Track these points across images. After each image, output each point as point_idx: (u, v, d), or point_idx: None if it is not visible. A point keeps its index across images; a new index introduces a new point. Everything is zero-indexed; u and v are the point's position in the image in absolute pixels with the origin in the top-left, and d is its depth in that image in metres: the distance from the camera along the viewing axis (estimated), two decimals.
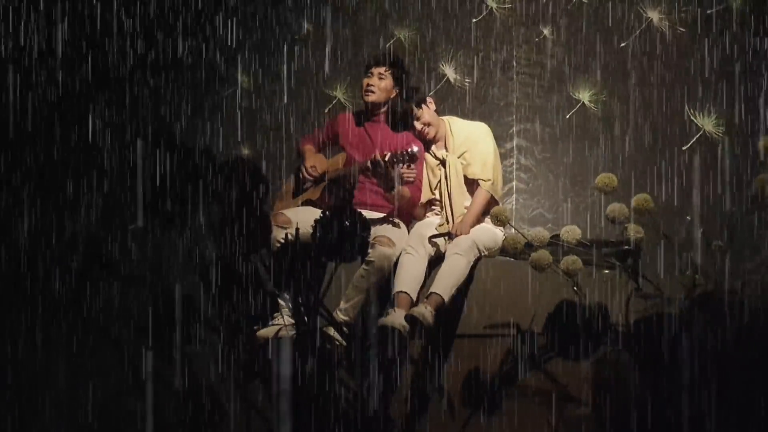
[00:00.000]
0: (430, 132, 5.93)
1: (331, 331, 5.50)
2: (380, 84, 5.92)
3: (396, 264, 5.61)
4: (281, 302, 5.55)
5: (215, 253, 5.41)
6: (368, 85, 5.92)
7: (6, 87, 6.05)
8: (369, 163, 5.69)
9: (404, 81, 5.94)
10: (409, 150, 5.59)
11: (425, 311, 5.41)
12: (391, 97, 5.93)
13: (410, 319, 5.40)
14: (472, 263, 5.64)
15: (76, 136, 6.06)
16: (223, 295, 5.51)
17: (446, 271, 5.56)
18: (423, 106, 5.92)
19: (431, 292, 5.50)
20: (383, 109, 5.94)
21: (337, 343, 5.51)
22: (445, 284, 5.52)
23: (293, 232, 5.54)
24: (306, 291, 5.13)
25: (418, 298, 5.56)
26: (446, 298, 5.49)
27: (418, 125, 5.91)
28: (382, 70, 5.91)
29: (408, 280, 5.54)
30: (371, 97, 5.92)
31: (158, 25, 6.39)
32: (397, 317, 5.39)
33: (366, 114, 5.98)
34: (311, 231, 5.25)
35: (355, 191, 5.89)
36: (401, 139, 5.88)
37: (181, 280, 5.60)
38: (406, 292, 5.51)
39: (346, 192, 5.86)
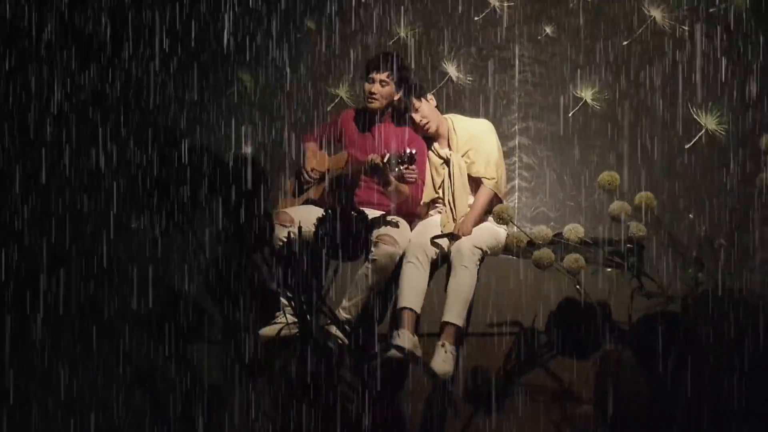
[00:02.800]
0: (431, 126, 5.92)
1: (334, 330, 5.50)
2: (383, 91, 5.88)
3: (399, 264, 5.61)
4: (283, 301, 5.54)
5: (218, 251, 5.40)
6: (371, 93, 5.88)
7: (5, 79, 6.05)
8: (366, 165, 5.69)
9: (406, 80, 5.91)
10: (407, 151, 5.57)
11: (444, 360, 5.38)
12: (395, 99, 5.91)
13: (431, 374, 5.38)
14: (477, 267, 5.62)
15: (76, 129, 6.06)
16: (226, 294, 5.51)
17: (455, 291, 5.53)
18: (422, 99, 5.91)
19: (446, 323, 5.47)
20: (387, 112, 5.93)
21: (340, 341, 5.50)
22: (457, 309, 5.48)
23: (295, 230, 5.54)
24: (308, 290, 5.12)
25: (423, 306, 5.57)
26: (461, 324, 5.48)
27: (416, 117, 5.90)
28: (384, 76, 5.85)
29: (412, 294, 5.52)
30: (375, 105, 5.89)
31: (159, 21, 6.39)
32: (404, 341, 5.39)
33: (370, 116, 5.96)
34: (313, 229, 5.24)
35: (357, 190, 5.89)
36: (402, 138, 5.87)
37: (184, 278, 5.60)
38: (411, 309, 5.50)
39: (347, 191, 5.86)
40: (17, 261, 5.75)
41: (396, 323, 5.49)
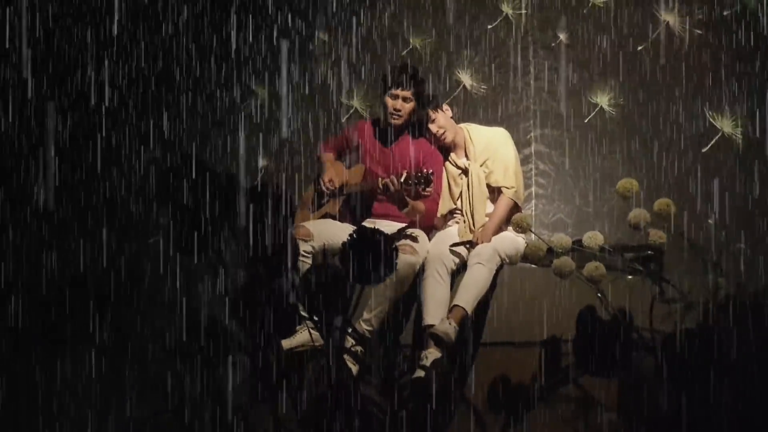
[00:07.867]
0: (448, 136, 5.91)
1: (351, 343, 5.51)
2: (407, 107, 5.85)
3: (420, 272, 5.62)
4: (304, 314, 5.55)
5: (240, 271, 5.42)
6: (395, 109, 5.84)
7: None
8: (381, 186, 5.68)
9: (422, 91, 5.89)
10: (424, 172, 5.56)
11: (448, 328, 5.42)
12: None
13: (434, 338, 5.42)
14: (494, 271, 5.64)
15: (97, 154, 6.07)
16: (249, 311, 5.52)
17: (468, 282, 5.56)
18: (439, 110, 5.91)
19: (454, 305, 5.50)
20: (407, 129, 5.92)
21: (360, 355, 5.51)
22: (467, 296, 5.52)
23: (315, 244, 5.57)
24: (332, 309, 5.12)
25: None
26: (469, 310, 5.50)
27: (433, 128, 5.89)
28: (408, 93, 5.82)
29: (436, 309, 5.53)
30: (399, 121, 5.87)
31: (173, 38, 6.39)
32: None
33: (388, 130, 5.93)
34: (332, 243, 5.24)
35: (374, 203, 5.88)
36: (420, 154, 5.85)
37: (208, 297, 5.61)
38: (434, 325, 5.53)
39: (364, 206, 5.86)
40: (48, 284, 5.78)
41: (424, 343, 5.50)
